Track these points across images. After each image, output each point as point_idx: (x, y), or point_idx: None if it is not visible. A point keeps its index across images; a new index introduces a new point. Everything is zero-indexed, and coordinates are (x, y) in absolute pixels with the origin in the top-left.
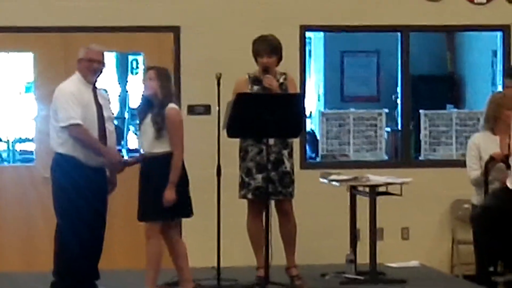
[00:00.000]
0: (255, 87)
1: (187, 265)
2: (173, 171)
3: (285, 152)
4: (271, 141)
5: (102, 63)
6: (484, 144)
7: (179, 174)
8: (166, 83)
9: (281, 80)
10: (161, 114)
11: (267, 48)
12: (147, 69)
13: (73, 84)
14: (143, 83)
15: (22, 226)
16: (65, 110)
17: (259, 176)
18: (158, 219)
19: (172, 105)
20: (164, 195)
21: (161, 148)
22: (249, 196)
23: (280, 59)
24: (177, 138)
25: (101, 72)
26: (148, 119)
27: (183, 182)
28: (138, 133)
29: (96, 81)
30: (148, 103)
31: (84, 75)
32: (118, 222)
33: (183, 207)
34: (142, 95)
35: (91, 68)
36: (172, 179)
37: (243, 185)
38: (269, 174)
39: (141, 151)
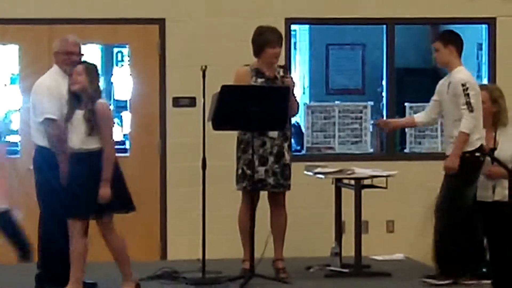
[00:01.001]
0: (259, 80)
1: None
2: (106, 167)
3: (285, 145)
4: (274, 134)
5: (80, 55)
6: None
7: (112, 169)
8: (94, 78)
9: (281, 73)
10: (93, 110)
11: (277, 38)
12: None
13: (50, 77)
14: (70, 79)
15: None
16: (41, 104)
17: (261, 169)
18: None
19: (100, 100)
20: (99, 192)
21: (95, 144)
22: (250, 188)
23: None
24: (107, 133)
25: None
26: (79, 115)
27: (119, 175)
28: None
29: None
30: (76, 99)
31: (62, 68)
32: None
33: (122, 200)
34: (69, 90)
35: (70, 61)
36: (106, 175)
37: (243, 177)
38: (271, 167)
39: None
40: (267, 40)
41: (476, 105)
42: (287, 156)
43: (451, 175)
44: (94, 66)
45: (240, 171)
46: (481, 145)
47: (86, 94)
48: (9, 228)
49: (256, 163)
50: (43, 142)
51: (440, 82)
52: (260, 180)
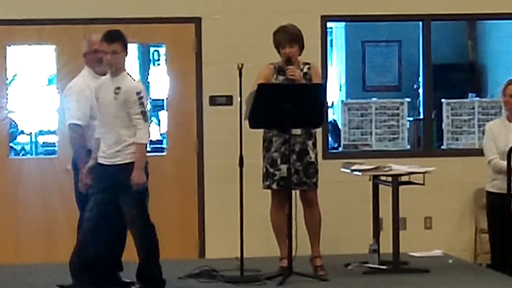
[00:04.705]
0: (280, 77)
1: None
2: None
3: (310, 143)
4: (297, 131)
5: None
6: (497, 130)
7: None
8: None
9: (305, 70)
10: None
11: (287, 38)
12: None
13: (81, 80)
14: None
15: (44, 218)
16: (68, 109)
17: (284, 167)
18: None
19: None
20: None
21: None
22: (274, 186)
23: (302, 48)
24: None
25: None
26: None
27: None
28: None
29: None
30: None
31: (92, 68)
32: None
33: None
34: None
35: (97, 59)
36: None
37: (267, 175)
38: (294, 165)
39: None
40: (278, 41)
41: (148, 114)
42: (311, 154)
43: (128, 187)
44: None
45: (264, 169)
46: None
47: None
48: None
49: (279, 161)
50: None
51: (100, 83)
52: (283, 178)
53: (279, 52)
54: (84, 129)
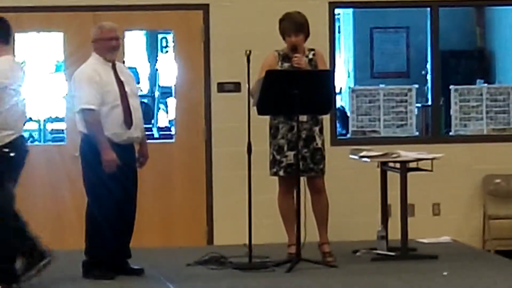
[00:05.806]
0: (285, 64)
1: None
2: None
3: (316, 129)
4: (303, 118)
5: (119, 39)
6: None
7: None
8: None
9: (310, 56)
10: None
11: (293, 27)
12: None
13: (90, 66)
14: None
15: (53, 205)
16: (79, 95)
17: (290, 153)
18: None
19: None
20: None
21: None
22: (281, 173)
23: (307, 35)
24: None
25: (118, 48)
26: None
27: None
28: None
29: (115, 58)
30: None
31: (103, 55)
32: (147, 200)
33: None
34: None
35: (110, 47)
36: None
37: (274, 162)
38: (301, 151)
39: None
40: (284, 29)
41: (8, 99)
42: (318, 140)
43: None
44: None
45: (271, 156)
46: (11, 141)
47: None
48: None
49: (285, 148)
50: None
51: None
52: (290, 165)
53: (284, 39)
54: (97, 113)
